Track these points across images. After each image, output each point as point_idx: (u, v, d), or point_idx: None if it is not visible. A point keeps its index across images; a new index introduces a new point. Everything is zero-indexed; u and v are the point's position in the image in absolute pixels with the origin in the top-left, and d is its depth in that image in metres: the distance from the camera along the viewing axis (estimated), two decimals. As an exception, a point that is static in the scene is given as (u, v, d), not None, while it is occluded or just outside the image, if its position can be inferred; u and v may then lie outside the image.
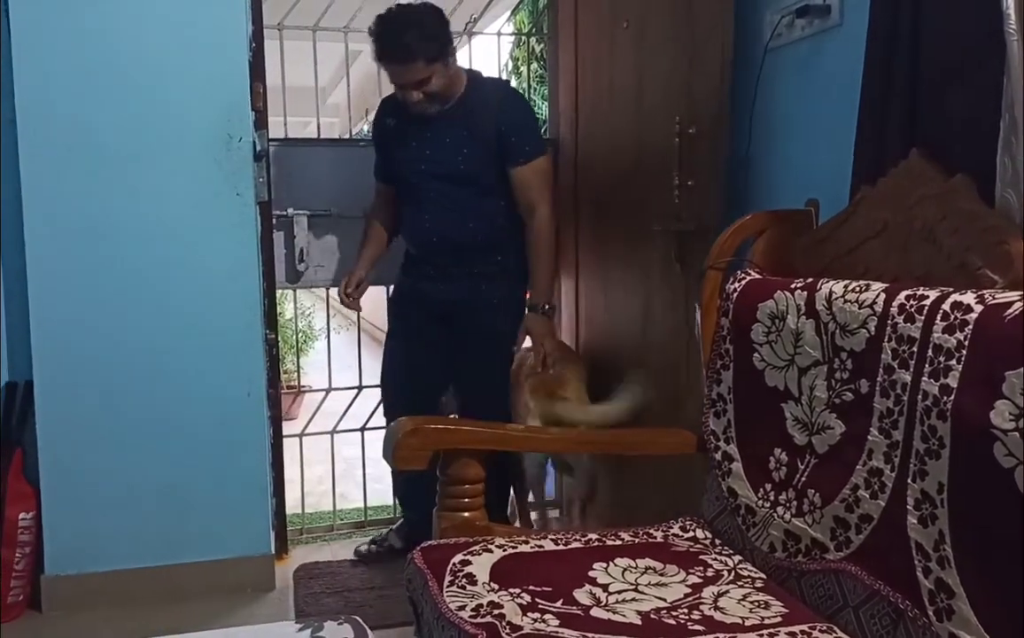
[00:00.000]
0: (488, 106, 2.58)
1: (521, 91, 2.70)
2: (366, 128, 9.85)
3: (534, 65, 3.81)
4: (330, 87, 9.68)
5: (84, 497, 2.55)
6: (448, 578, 1.38)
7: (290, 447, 3.08)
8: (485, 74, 2.76)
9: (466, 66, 2.73)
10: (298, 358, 5.15)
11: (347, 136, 4.47)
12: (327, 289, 3.32)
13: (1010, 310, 1.12)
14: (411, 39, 2.43)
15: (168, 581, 2.60)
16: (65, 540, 2.54)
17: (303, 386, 5.09)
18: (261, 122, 2.70)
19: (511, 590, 1.32)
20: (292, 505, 3.12)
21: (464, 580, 1.36)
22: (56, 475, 2.53)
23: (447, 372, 2.77)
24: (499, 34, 3.62)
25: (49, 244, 2.47)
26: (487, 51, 3.51)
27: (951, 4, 1.46)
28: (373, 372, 2.96)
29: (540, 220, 2.59)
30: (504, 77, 3.92)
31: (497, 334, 2.68)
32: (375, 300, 3.05)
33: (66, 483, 2.53)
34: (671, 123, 2.26)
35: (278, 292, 3.07)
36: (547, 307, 2.65)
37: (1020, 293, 1.15)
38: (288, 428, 3.17)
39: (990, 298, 1.17)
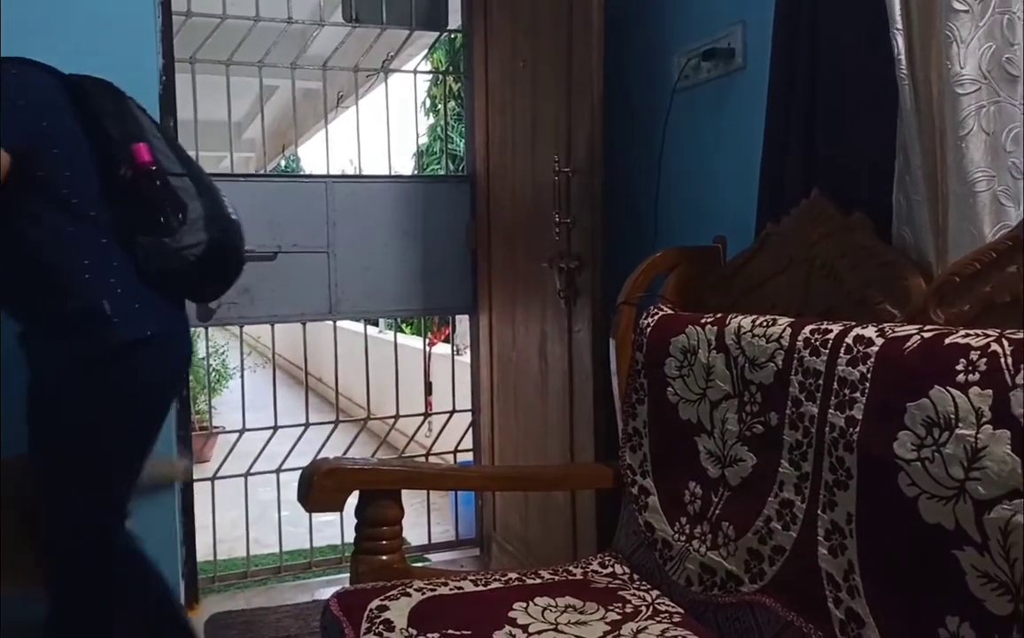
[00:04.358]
0: None
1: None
2: (283, 163, 9.78)
3: (452, 103, 3.83)
4: (245, 122, 9.58)
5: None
6: (365, 625, 1.34)
7: (201, 491, 2.98)
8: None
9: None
10: (210, 398, 5.01)
11: (262, 171, 4.40)
12: (241, 327, 3.25)
13: (909, 343, 1.16)
14: None
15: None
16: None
17: (215, 427, 4.94)
18: (170, 157, 2.61)
19: (430, 635, 1.29)
20: (204, 552, 3.01)
21: (381, 626, 1.33)
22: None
23: None
24: (415, 72, 3.63)
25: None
26: (404, 88, 3.51)
27: (847, 49, 1.53)
28: (289, 412, 2.89)
29: None
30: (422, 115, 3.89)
31: (46, 405, 1.82)
32: (294, 335, 2.99)
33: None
34: (553, 163, 2.31)
35: (191, 330, 2.98)
36: None
37: (918, 327, 1.19)
38: (199, 471, 3.07)
39: (890, 331, 1.21)
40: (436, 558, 3.35)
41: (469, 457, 3.39)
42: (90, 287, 1.77)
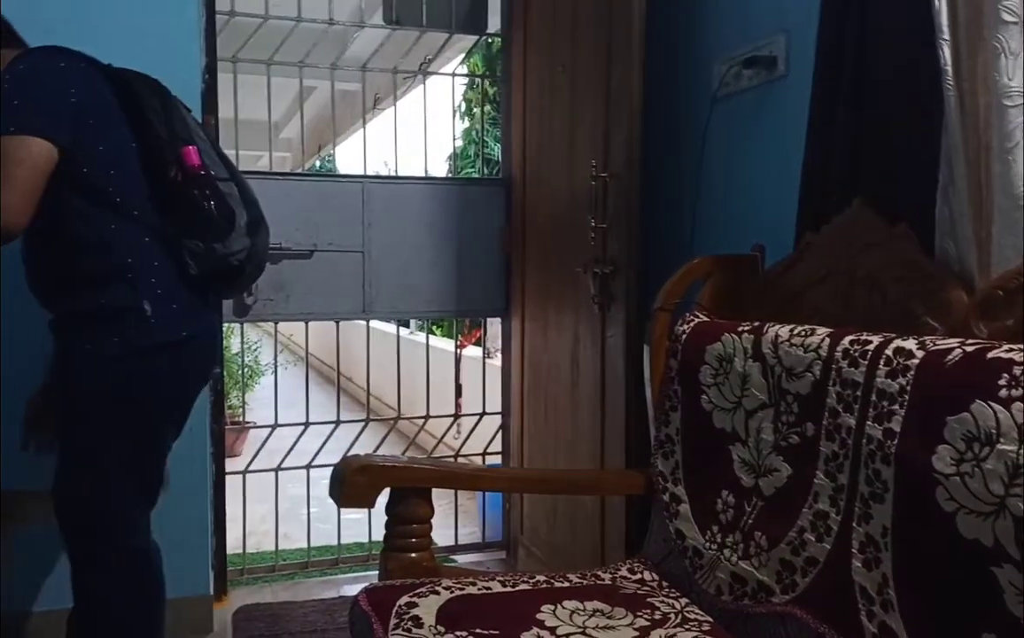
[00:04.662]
0: None
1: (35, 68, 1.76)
2: (318, 163, 9.87)
3: (487, 107, 3.84)
4: (283, 122, 9.68)
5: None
6: (393, 621, 1.35)
7: (233, 484, 3.01)
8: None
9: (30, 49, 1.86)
10: (243, 393, 5.07)
11: (299, 170, 4.44)
12: (275, 324, 3.28)
13: (950, 356, 1.14)
14: None
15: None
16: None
17: (248, 422, 4.99)
18: (211, 154, 2.65)
19: (458, 633, 1.30)
20: (233, 544, 3.05)
21: (410, 623, 1.34)
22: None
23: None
24: (453, 75, 3.64)
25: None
26: (442, 91, 3.53)
27: (892, 59, 1.51)
28: (320, 409, 2.91)
29: None
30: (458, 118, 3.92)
31: (74, 399, 1.83)
32: (326, 335, 3.02)
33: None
34: (590, 168, 2.31)
35: (225, 326, 3.02)
36: None
37: (959, 340, 1.18)
38: (231, 465, 3.10)
39: (931, 344, 1.19)
40: (462, 560, 3.36)
41: (497, 460, 3.40)
42: (131, 286, 1.79)
